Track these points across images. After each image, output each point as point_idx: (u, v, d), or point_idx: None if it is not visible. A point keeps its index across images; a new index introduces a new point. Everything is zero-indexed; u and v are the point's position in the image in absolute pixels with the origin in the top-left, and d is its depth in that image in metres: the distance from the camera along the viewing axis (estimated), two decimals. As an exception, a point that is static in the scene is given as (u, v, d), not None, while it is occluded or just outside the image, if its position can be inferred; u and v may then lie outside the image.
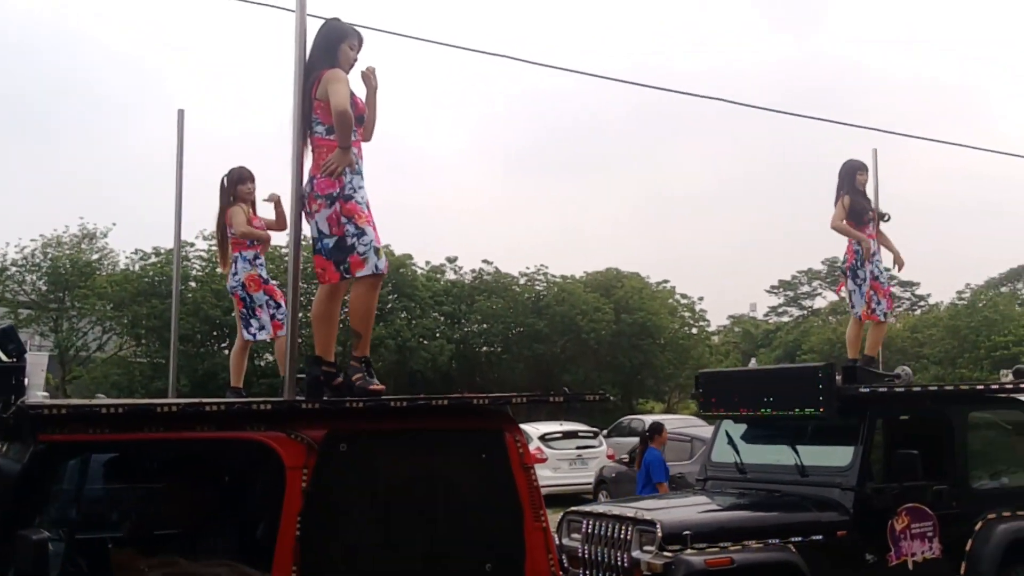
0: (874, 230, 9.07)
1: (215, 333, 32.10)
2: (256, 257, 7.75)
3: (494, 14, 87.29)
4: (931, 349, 42.53)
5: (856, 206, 9.01)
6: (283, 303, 7.66)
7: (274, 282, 7.86)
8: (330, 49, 5.31)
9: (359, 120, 5.32)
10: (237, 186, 7.75)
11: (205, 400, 3.90)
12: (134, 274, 32.36)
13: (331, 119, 5.13)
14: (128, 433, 3.68)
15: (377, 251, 5.13)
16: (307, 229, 5.28)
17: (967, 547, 7.59)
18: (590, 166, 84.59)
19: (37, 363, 4.40)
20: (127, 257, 33.92)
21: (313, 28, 5.25)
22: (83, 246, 34.44)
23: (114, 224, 42.54)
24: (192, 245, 31.06)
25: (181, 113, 7.68)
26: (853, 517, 7.29)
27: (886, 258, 9.38)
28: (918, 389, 8.10)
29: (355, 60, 5.41)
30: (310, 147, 5.24)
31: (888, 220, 9.25)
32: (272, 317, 7.70)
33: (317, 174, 5.14)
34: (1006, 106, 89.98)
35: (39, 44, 65.11)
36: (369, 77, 5.47)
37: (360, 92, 5.47)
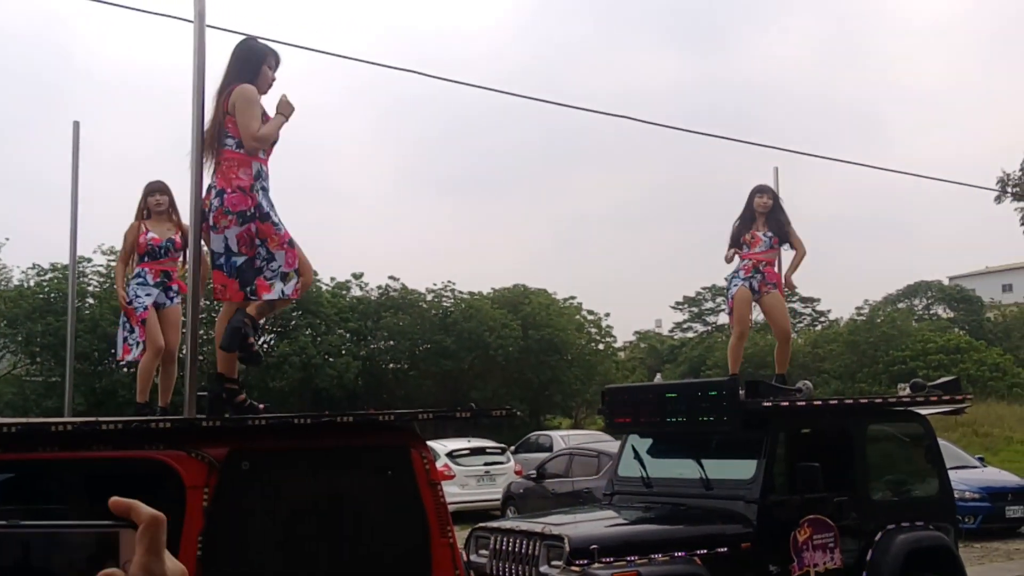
0: (750, 251, 9.30)
1: (113, 351, 31.29)
2: (138, 275, 7.51)
3: (403, 30, 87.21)
4: (831, 364, 43.48)
5: (735, 230, 9.40)
6: (137, 329, 7.46)
7: (138, 306, 7.53)
8: (250, 68, 5.29)
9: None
10: (147, 198, 7.60)
11: (102, 419, 3.78)
12: (29, 290, 31.44)
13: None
14: (21, 453, 3.55)
15: (285, 276, 5.08)
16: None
17: (867, 557, 7.74)
18: (498, 184, 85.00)
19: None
20: (22, 272, 32.98)
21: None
22: (-25, 262, 33.41)
23: (7, 239, 41.26)
24: (89, 260, 30.30)
25: (76, 125, 7.49)
26: (757, 529, 7.39)
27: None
28: (819, 403, 8.24)
29: (273, 80, 5.40)
30: (217, 160, 5.16)
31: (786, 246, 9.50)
32: (124, 340, 7.54)
33: (227, 188, 5.07)
34: (903, 126, 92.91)
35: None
36: (286, 106, 5.37)
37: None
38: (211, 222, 5.06)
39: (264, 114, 5.23)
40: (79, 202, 7.52)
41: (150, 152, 63.18)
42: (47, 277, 31.56)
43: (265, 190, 5.17)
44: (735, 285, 9.29)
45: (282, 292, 5.07)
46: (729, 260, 9.39)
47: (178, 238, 7.56)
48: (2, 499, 4.86)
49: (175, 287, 7.56)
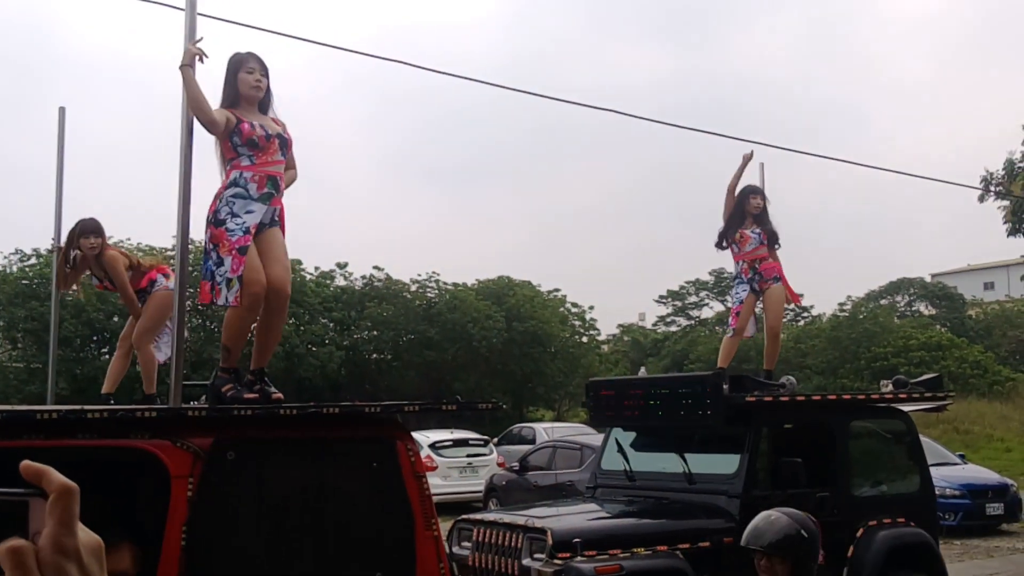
0: (740, 252, 9.37)
1: (95, 337, 31.26)
2: None
3: (392, 22, 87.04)
4: (814, 359, 43.64)
5: (724, 232, 9.46)
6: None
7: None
8: (229, 83, 5.39)
9: (252, 144, 5.27)
10: (79, 240, 7.53)
11: (87, 407, 3.77)
12: (11, 276, 31.31)
13: (231, 154, 5.27)
14: (4, 440, 3.54)
15: (230, 282, 5.10)
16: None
17: (849, 553, 7.78)
18: (483, 175, 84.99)
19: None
20: (4, 258, 32.82)
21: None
22: (-44, 247, 33.23)
23: (-11, 225, 41.11)
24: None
25: (62, 111, 7.43)
26: (739, 524, 7.40)
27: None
28: (802, 398, 8.28)
29: (258, 81, 5.42)
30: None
31: (774, 246, 9.54)
32: None
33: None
34: (887, 122, 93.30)
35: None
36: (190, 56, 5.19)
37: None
38: None
39: (238, 122, 5.29)
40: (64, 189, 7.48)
41: (135, 138, 62.85)
42: (30, 262, 31.43)
43: (236, 199, 5.19)
44: (742, 291, 9.39)
45: (226, 300, 5.12)
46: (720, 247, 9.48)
47: (62, 283, 7.76)
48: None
49: (145, 286, 7.60)
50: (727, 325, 9.70)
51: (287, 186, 5.49)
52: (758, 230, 9.35)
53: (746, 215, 9.35)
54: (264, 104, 5.47)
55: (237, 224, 5.15)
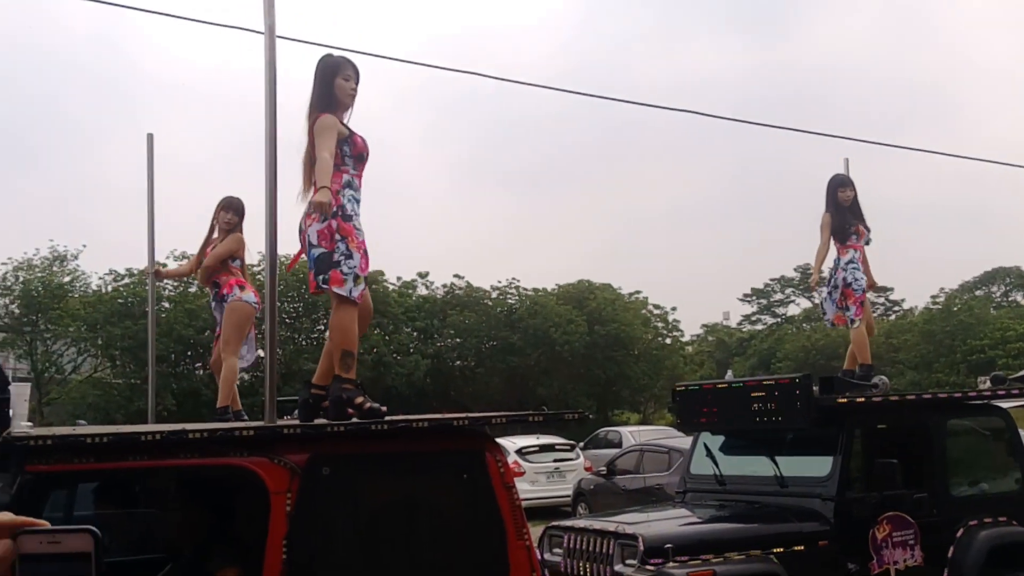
0: (858, 242, 9.20)
1: (189, 353, 32.00)
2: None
3: (478, 35, 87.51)
4: (907, 354, 42.81)
5: (837, 224, 9.21)
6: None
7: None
8: (325, 87, 5.37)
9: (359, 158, 5.34)
10: (217, 213, 7.78)
11: (188, 427, 3.88)
12: (107, 295, 32.24)
13: (335, 159, 5.24)
14: (113, 462, 3.66)
15: (357, 278, 5.15)
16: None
17: (949, 554, 7.62)
18: (559, 180, 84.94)
19: (20, 393, 4.37)
20: (99, 278, 33.84)
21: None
22: (54, 268, 34.30)
23: (84, 246, 42.47)
24: (164, 266, 30.90)
25: (150, 137, 7.66)
26: (834, 527, 7.31)
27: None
28: (895, 398, 8.13)
29: (353, 90, 5.45)
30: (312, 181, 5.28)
31: (869, 244, 9.37)
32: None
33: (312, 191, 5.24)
34: (980, 110, 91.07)
35: (9, 66, 64.65)
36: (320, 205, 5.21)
37: (357, 127, 5.50)
38: (302, 223, 5.22)
39: (354, 133, 5.34)
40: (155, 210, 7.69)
41: (221, 157, 64.18)
42: (123, 282, 32.31)
43: (353, 200, 5.26)
44: (862, 277, 9.17)
45: (350, 292, 5.11)
46: (823, 254, 9.26)
47: (208, 249, 7.74)
48: (96, 505, 5.01)
49: (227, 292, 7.59)
50: (855, 318, 9.17)
51: None
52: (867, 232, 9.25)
53: (842, 208, 9.19)
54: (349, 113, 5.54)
55: (358, 226, 5.22)
